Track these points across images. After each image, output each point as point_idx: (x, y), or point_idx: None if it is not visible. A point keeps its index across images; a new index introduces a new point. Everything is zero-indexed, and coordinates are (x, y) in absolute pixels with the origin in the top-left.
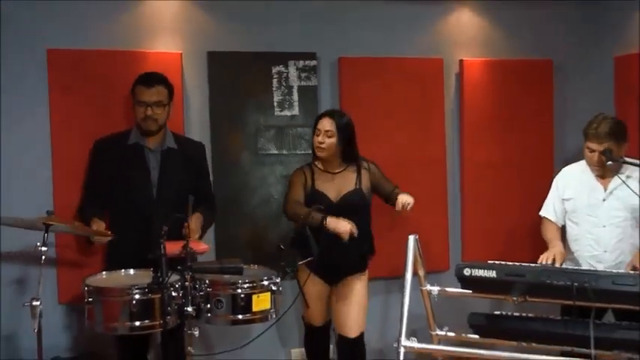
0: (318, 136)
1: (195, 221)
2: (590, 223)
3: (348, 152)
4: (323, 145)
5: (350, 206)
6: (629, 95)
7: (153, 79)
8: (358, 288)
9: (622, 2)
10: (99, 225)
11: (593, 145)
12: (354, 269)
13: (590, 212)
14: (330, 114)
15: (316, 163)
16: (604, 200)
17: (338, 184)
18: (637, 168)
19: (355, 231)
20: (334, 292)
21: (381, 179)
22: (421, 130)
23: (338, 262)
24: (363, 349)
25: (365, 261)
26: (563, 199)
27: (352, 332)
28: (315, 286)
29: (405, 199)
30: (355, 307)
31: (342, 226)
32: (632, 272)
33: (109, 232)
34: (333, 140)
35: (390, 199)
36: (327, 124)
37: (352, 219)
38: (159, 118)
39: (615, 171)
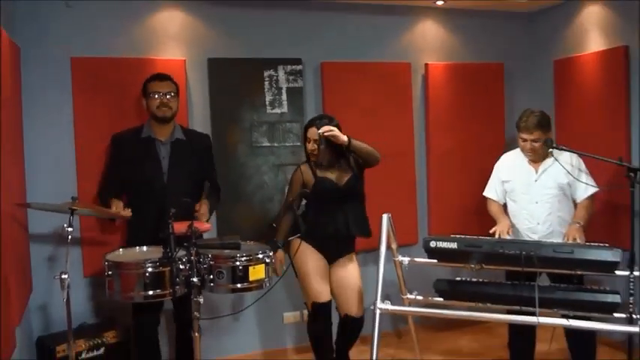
0: (309, 143)
1: (203, 207)
2: (525, 200)
3: (339, 152)
4: (316, 152)
5: (352, 190)
6: (566, 93)
7: (163, 75)
8: (353, 270)
9: (561, 11)
10: (117, 205)
11: (525, 135)
12: (347, 248)
13: (525, 191)
14: (314, 122)
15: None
16: (536, 181)
17: (338, 173)
18: (561, 153)
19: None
20: (333, 273)
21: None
22: (393, 124)
23: (340, 241)
24: (362, 325)
25: (354, 242)
26: (502, 181)
27: (359, 312)
28: (318, 262)
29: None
30: (357, 291)
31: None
32: (570, 242)
33: (128, 211)
34: (323, 147)
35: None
36: (314, 132)
37: (353, 203)
38: (172, 106)
39: (544, 156)
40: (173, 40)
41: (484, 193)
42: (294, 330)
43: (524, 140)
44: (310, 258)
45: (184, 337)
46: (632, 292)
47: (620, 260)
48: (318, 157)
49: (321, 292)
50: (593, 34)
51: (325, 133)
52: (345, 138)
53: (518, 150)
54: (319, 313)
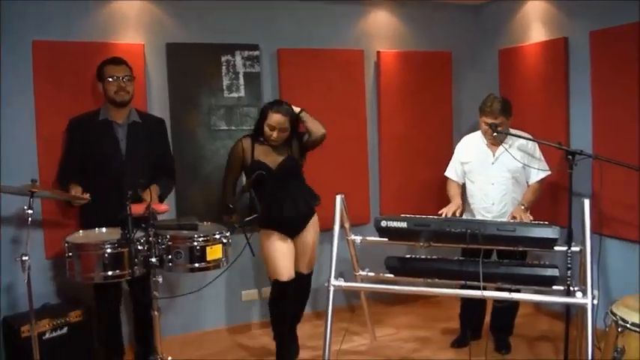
0: (272, 130)
1: (152, 192)
2: (482, 182)
3: (292, 135)
4: (278, 139)
5: (287, 172)
6: (510, 81)
7: (118, 59)
8: (311, 233)
9: (506, 3)
10: (76, 189)
11: (489, 120)
12: (306, 220)
13: (482, 172)
14: (280, 110)
15: (260, 138)
16: (493, 163)
17: (274, 154)
18: (518, 138)
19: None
20: (295, 242)
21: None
22: (346, 109)
23: (296, 219)
24: (310, 284)
25: (313, 208)
26: (462, 162)
27: (306, 270)
28: (282, 243)
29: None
30: (309, 250)
31: None
32: (512, 221)
33: (86, 195)
34: (286, 133)
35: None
36: (280, 120)
37: (290, 182)
38: (129, 90)
39: (501, 140)
40: (132, 25)
41: (445, 173)
42: (253, 307)
43: (487, 124)
44: (272, 238)
45: (143, 316)
46: (569, 266)
47: (558, 237)
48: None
49: (283, 271)
50: (535, 26)
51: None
52: (298, 108)
53: (478, 132)
54: (279, 290)
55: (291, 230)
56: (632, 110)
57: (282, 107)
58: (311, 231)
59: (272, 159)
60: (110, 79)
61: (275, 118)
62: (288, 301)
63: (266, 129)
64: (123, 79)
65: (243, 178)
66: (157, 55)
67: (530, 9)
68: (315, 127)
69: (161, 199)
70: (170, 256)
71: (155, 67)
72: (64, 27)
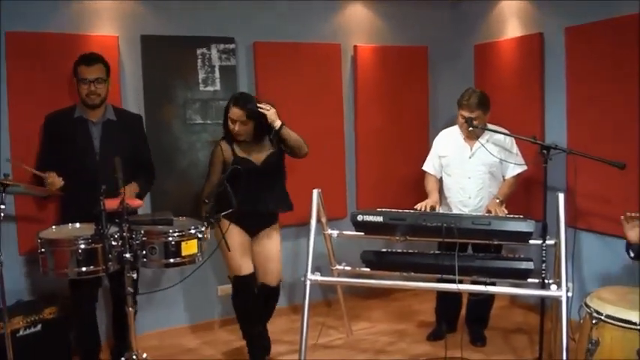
0: (233, 124)
1: (129, 191)
2: (459, 175)
3: (260, 130)
4: (240, 132)
5: (272, 167)
6: (485, 76)
7: (92, 58)
8: (275, 242)
9: None
10: (51, 174)
11: (466, 114)
12: (269, 222)
13: (459, 166)
14: (238, 103)
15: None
16: (470, 157)
17: (257, 150)
18: (494, 133)
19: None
20: (255, 245)
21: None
22: (323, 103)
23: (259, 216)
24: (279, 293)
25: (277, 215)
26: (440, 156)
27: (275, 282)
28: (240, 237)
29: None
30: (276, 262)
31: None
32: (487, 214)
33: (60, 179)
34: (249, 126)
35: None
36: (238, 113)
37: (275, 179)
38: (101, 93)
39: (479, 135)
40: (106, 17)
41: (423, 167)
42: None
43: (464, 118)
44: (231, 233)
45: (120, 313)
46: (544, 259)
47: (533, 231)
48: (239, 135)
49: (242, 265)
50: (511, 22)
51: (260, 110)
52: (279, 123)
53: (456, 127)
54: (240, 286)
55: (252, 226)
56: (605, 105)
57: (240, 100)
58: (274, 239)
59: (256, 154)
60: (81, 82)
61: (233, 111)
62: (252, 296)
63: (229, 123)
64: (94, 82)
65: None
66: (131, 48)
67: (506, 5)
68: (297, 145)
69: (140, 197)
70: (145, 252)
71: (130, 60)
72: (38, 18)
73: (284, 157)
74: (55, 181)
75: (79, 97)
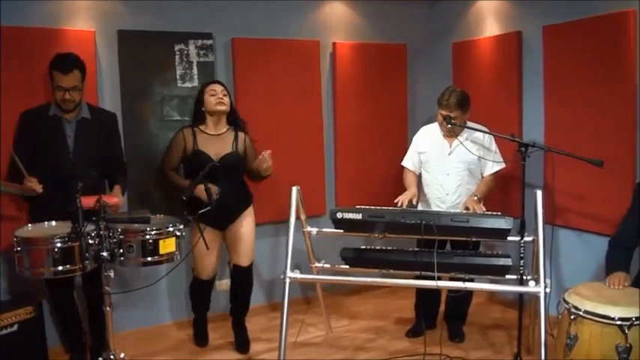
0: (214, 96)
1: (117, 192)
2: (438, 172)
3: (233, 114)
4: (225, 101)
5: (229, 165)
6: (464, 74)
7: (68, 64)
8: (248, 224)
9: None
10: (31, 179)
11: (444, 112)
12: (238, 213)
13: (438, 163)
14: (217, 81)
15: (200, 127)
16: (449, 155)
17: (217, 146)
18: (474, 131)
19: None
20: (227, 234)
21: (251, 155)
22: (302, 99)
23: (224, 213)
24: (252, 275)
25: (248, 202)
26: (419, 153)
27: (246, 262)
28: (209, 237)
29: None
30: (247, 242)
31: (201, 193)
32: (465, 212)
33: (40, 186)
34: (229, 99)
35: (250, 174)
36: (220, 87)
37: (231, 176)
38: (76, 99)
39: (457, 132)
40: (83, 11)
41: (402, 163)
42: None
43: (443, 116)
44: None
45: (96, 311)
46: (522, 255)
47: (511, 227)
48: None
49: (204, 270)
50: (489, 20)
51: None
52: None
53: (436, 124)
54: (198, 287)
55: (220, 222)
56: (583, 103)
57: (219, 81)
58: (245, 222)
59: (215, 150)
60: (57, 89)
61: (214, 86)
62: (206, 297)
63: (210, 99)
64: (69, 91)
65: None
66: (108, 43)
67: (485, 3)
68: (268, 169)
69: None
70: (122, 250)
71: (106, 55)
72: (14, 12)
73: (245, 158)
74: (35, 187)
75: (53, 98)
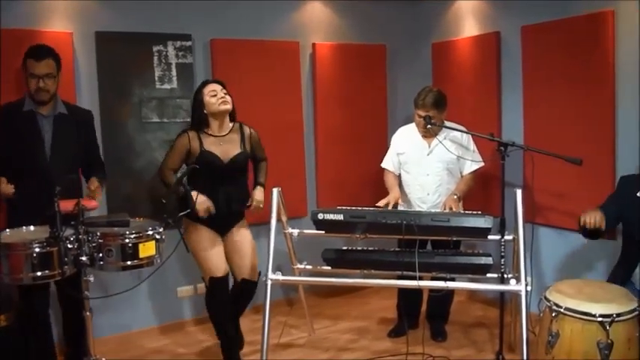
0: (215, 96)
1: (95, 183)
2: (418, 172)
3: (233, 112)
4: (227, 100)
5: (238, 167)
6: (443, 74)
7: (42, 52)
8: (245, 235)
9: None
10: (3, 182)
11: (421, 112)
12: (236, 220)
13: (418, 164)
14: (216, 81)
15: (205, 130)
16: (428, 155)
17: (225, 147)
18: (452, 130)
19: (212, 211)
20: (226, 243)
21: (258, 146)
22: (282, 100)
23: (227, 214)
24: (256, 288)
25: (243, 212)
26: (398, 153)
27: (254, 276)
28: (210, 236)
29: (258, 198)
30: (251, 256)
31: (201, 204)
32: (446, 211)
33: (11, 187)
34: (230, 97)
35: (256, 168)
36: (220, 87)
37: (238, 178)
38: (50, 89)
39: (435, 133)
40: (60, 12)
41: (382, 165)
42: (189, 303)
43: (420, 116)
44: (202, 234)
45: (74, 317)
46: (503, 254)
47: (491, 226)
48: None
49: (218, 266)
50: (468, 21)
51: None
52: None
53: (413, 124)
54: (216, 287)
55: (222, 225)
56: (562, 103)
57: (217, 80)
58: (244, 234)
59: (223, 151)
60: (30, 77)
61: (212, 86)
62: (227, 296)
63: (212, 100)
64: (43, 78)
65: None
66: (86, 44)
67: (463, 4)
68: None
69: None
70: (101, 254)
71: (84, 57)
72: None
73: (250, 158)
74: (7, 190)
75: (27, 90)
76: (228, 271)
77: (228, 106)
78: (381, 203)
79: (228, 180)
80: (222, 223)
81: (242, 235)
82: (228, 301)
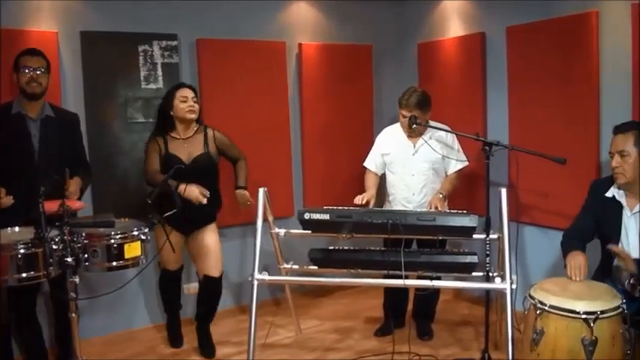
0: (185, 102)
1: (74, 184)
2: (403, 172)
3: (200, 115)
4: (195, 109)
5: (200, 167)
6: (429, 74)
7: (36, 51)
8: (212, 236)
9: None
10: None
11: (405, 112)
12: (206, 221)
13: (403, 164)
14: (188, 86)
15: (171, 134)
16: (413, 155)
17: (188, 149)
18: (437, 130)
19: (206, 194)
20: (191, 242)
21: (229, 146)
22: (268, 100)
23: (194, 216)
24: (222, 285)
25: (215, 214)
26: (382, 154)
27: (217, 273)
28: (172, 237)
29: (242, 201)
30: (215, 253)
31: (192, 192)
32: (431, 211)
33: (10, 198)
34: (198, 105)
35: (234, 170)
36: (192, 94)
37: (204, 178)
38: (42, 82)
39: (421, 133)
40: (45, 12)
41: (364, 164)
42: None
43: (404, 117)
44: (163, 233)
45: (63, 318)
46: (488, 253)
47: (476, 225)
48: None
49: (170, 262)
50: (453, 21)
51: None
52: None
53: (398, 124)
54: (166, 276)
55: (186, 226)
56: (547, 103)
57: (189, 85)
58: (210, 234)
59: (186, 153)
60: (23, 70)
61: (185, 91)
62: (176, 288)
63: (181, 106)
64: (36, 70)
65: None
66: (71, 44)
67: (449, 4)
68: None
69: (79, 197)
70: (87, 255)
71: (69, 57)
72: None
73: (218, 159)
74: (7, 201)
75: (18, 89)
76: (180, 265)
77: (194, 116)
78: (357, 200)
79: (193, 181)
80: (186, 224)
81: (208, 236)
82: (177, 296)
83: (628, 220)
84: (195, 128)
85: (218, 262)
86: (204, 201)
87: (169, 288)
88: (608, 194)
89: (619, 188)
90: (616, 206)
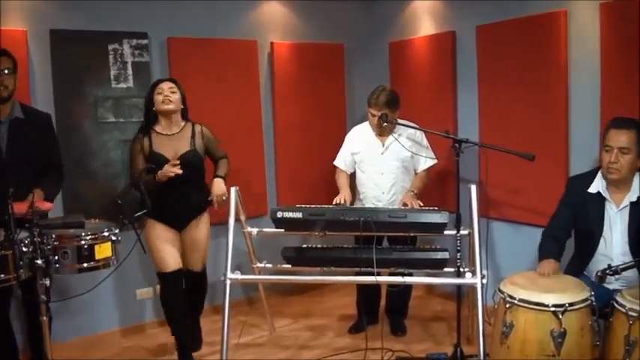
0: (160, 94)
1: (37, 196)
2: (372, 171)
3: (185, 110)
4: (172, 99)
5: (188, 164)
6: (400, 72)
7: (1, 51)
8: (202, 229)
9: None
10: None
11: (374, 111)
12: (195, 214)
13: (372, 163)
14: (168, 79)
15: (155, 128)
16: (382, 154)
17: (175, 146)
18: (407, 128)
19: (175, 162)
20: (183, 237)
21: (213, 144)
22: (240, 99)
23: (182, 209)
24: (206, 278)
25: (204, 206)
26: (352, 153)
27: (198, 266)
28: (166, 233)
29: (217, 191)
30: (200, 249)
31: (163, 174)
32: (402, 207)
33: None
34: (178, 96)
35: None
36: (168, 85)
37: (190, 175)
38: (9, 85)
39: (390, 131)
40: (13, 9)
41: (334, 163)
42: (149, 305)
43: (373, 115)
44: (157, 230)
45: (35, 322)
46: (458, 248)
47: (447, 222)
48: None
49: (167, 261)
50: (424, 20)
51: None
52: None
53: (367, 123)
54: (165, 282)
55: (177, 221)
56: (516, 101)
57: (170, 78)
58: (201, 228)
59: (172, 150)
60: None
61: (162, 84)
62: (180, 293)
63: (157, 97)
64: (2, 71)
65: None
66: (40, 43)
67: (420, 3)
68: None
69: (50, 201)
70: (57, 257)
71: (38, 56)
72: None
73: (204, 155)
74: None
75: None
76: (180, 267)
77: (171, 107)
78: (336, 200)
79: (181, 177)
80: (177, 220)
81: (198, 229)
82: (180, 297)
83: (614, 216)
84: (183, 124)
85: (203, 255)
86: (178, 170)
87: (172, 294)
88: (592, 190)
89: (608, 184)
90: (600, 202)
